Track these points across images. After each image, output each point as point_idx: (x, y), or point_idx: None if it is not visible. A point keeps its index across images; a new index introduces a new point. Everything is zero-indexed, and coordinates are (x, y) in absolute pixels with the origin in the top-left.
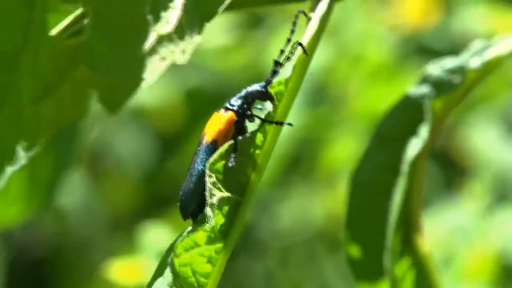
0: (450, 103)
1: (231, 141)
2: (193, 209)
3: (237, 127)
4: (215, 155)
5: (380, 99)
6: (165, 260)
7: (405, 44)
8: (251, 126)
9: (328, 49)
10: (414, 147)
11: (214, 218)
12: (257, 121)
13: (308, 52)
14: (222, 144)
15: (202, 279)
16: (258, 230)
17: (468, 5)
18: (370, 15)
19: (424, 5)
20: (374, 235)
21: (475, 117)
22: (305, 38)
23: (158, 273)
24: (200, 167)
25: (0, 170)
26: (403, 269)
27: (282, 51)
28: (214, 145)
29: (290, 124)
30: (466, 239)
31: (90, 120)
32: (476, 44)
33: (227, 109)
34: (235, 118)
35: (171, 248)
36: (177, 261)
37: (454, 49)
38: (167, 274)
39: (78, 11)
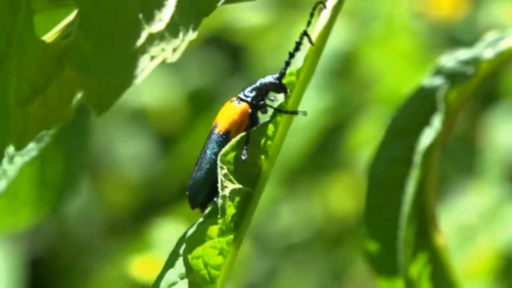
0: (464, 94)
1: (244, 133)
2: (203, 199)
3: (251, 119)
4: (227, 147)
5: (406, 84)
6: (176, 252)
7: (432, 33)
8: (262, 118)
9: (353, 32)
10: (427, 137)
11: (226, 210)
12: (269, 112)
13: (321, 41)
14: (234, 135)
15: (213, 271)
16: (258, 230)
17: None
18: (398, 1)
19: None
20: (391, 230)
21: (501, 110)
22: (317, 28)
23: (169, 264)
24: (212, 157)
25: None
26: (419, 263)
27: (298, 43)
28: (227, 136)
29: (304, 113)
30: (473, 234)
31: (92, 121)
32: (491, 35)
33: (241, 99)
34: (249, 110)
35: (182, 241)
36: (190, 255)
37: None
38: (178, 265)
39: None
